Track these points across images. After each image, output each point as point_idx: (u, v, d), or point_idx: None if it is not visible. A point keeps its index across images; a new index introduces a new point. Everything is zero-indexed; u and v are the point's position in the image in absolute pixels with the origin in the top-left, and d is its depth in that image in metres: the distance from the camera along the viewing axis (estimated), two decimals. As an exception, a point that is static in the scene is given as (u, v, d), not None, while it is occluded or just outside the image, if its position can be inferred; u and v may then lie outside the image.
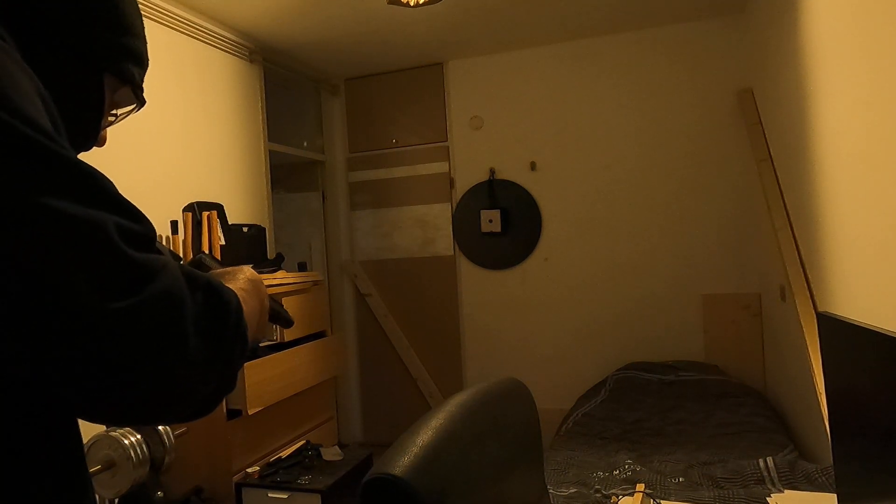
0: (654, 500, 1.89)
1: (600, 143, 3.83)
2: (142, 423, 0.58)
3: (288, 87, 4.00)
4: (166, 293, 0.50)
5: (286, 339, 3.00)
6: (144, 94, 0.78)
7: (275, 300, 0.79)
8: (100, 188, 0.50)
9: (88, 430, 2.20)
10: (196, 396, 0.53)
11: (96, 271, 0.47)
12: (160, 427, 2.22)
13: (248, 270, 0.73)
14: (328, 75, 4.28)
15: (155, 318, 0.49)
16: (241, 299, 0.59)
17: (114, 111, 0.76)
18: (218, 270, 0.74)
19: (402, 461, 0.90)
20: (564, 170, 3.91)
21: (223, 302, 0.56)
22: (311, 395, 3.19)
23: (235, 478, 2.61)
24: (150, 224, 0.54)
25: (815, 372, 2.25)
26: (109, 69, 0.71)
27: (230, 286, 0.60)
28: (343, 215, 4.39)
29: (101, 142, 0.76)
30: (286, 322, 0.83)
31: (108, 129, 0.77)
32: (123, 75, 0.73)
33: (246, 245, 3.24)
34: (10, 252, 0.45)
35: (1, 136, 0.46)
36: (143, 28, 0.76)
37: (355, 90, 4.37)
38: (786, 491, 1.95)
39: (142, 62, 0.76)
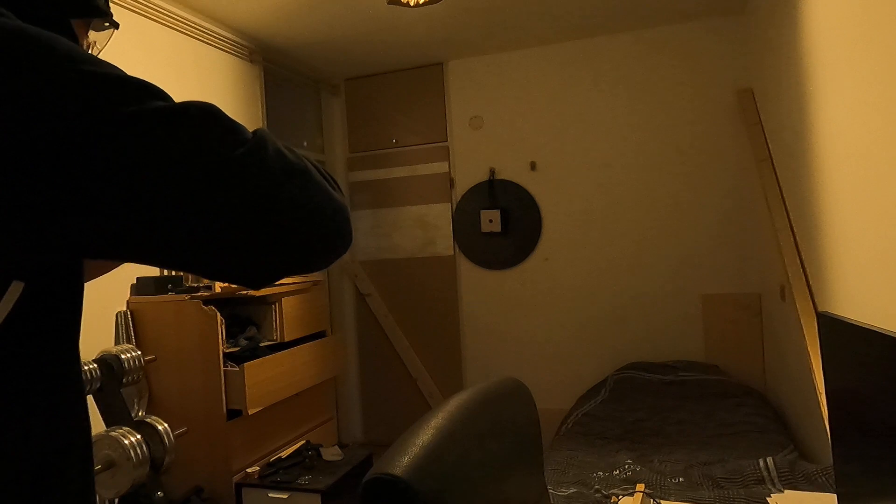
0: (654, 500, 1.89)
1: (600, 143, 3.83)
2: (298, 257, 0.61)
3: (288, 87, 4.00)
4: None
5: (286, 339, 3.01)
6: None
7: None
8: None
9: (88, 430, 2.20)
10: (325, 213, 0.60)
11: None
12: (160, 427, 2.22)
13: None
14: (328, 75, 4.28)
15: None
16: None
17: (94, 46, 0.79)
18: None
19: (402, 461, 0.90)
20: (564, 170, 3.91)
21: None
22: (311, 395, 3.20)
23: (235, 478, 2.61)
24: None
25: (815, 372, 2.25)
26: (75, 13, 0.72)
27: None
28: (343, 215, 4.38)
29: None
30: None
31: None
32: (90, 11, 0.73)
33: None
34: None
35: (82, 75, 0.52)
36: None
37: (355, 90, 4.37)
38: (786, 491, 1.95)
39: None
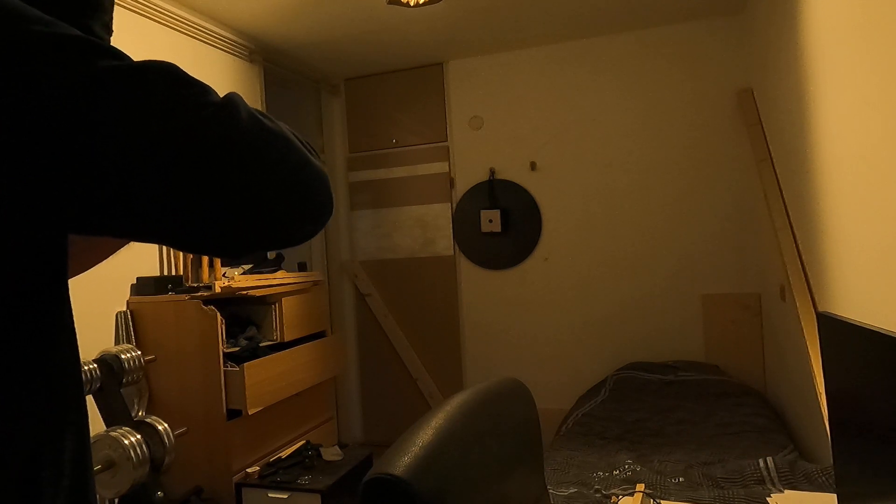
0: (654, 500, 1.89)
1: (600, 143, 3.83)
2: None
3: (288, 87, 4.00)
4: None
5: (286, 339, 3.00)
6: None
7: None
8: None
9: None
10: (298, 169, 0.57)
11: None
12: (160, 427, 2.22)
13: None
14: (328, 75, 4.28)
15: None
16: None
17: None
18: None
19: (402, 461, 0.90)
20: (564, 170, 3.91)
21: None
22: (311, 395, 3.20)
23: (235, 478, 2.61)
24: None
25: (815, 372, 2.25)
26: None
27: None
28: (343, 215, 4.39)
29: None
30: None
31: None
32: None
33: (246, 245, 3.23)
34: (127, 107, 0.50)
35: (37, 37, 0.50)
36: None
37: (355, 90, 4.37)
38: (786, 491, 1.95)
39: (104, 8, 0.72)
